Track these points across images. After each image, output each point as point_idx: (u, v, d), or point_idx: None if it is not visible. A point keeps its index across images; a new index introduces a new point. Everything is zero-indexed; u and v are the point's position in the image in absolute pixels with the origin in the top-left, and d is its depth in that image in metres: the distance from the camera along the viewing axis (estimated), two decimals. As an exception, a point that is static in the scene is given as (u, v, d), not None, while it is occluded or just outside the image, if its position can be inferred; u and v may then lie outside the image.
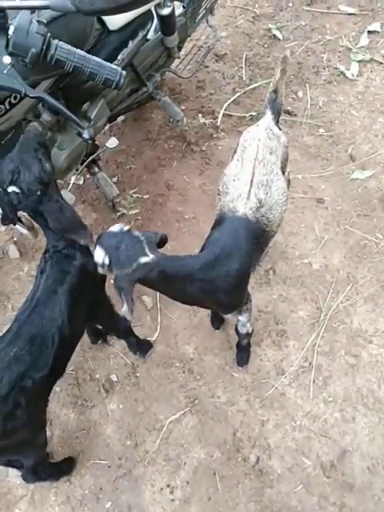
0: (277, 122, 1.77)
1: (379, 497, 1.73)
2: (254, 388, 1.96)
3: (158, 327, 2.13)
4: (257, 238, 1.53)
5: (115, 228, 1.30)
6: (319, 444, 1.83)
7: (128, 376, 2.05)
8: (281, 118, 2.76)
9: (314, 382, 1.94)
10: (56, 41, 1.19)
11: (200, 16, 2.47)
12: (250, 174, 1.54)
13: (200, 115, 2.91)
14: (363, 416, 1.85)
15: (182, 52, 2.71)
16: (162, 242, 1.35)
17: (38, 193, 1.35)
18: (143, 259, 1.26)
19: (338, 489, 1.75)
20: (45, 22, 1.17)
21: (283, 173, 1.69)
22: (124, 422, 1.96)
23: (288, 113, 2.88)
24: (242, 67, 3.16)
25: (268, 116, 1.75)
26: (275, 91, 1.82)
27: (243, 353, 1.99)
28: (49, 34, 1.16)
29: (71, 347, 1.59)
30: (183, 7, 2.15)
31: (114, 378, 2.05)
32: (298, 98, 2.95)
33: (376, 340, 2.01)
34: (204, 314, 2.15)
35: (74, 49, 1.21)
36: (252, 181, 1.53)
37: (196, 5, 2.35)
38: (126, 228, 1.30)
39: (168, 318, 2.16)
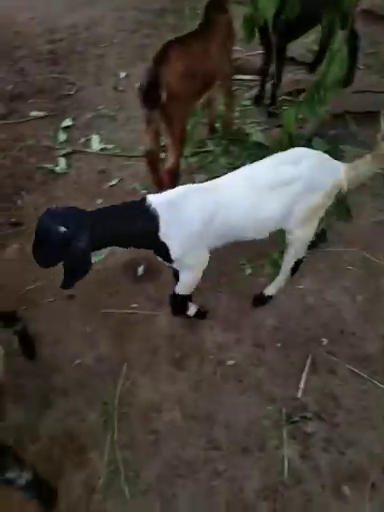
0: None
1: None
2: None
3: None
4: None
5: None
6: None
7: None
8: (9, 230, 2.70)
9: (126, 480, 1.81)
10: None
11: None
12: None
13: None
14: (182, 488, 1.79)
15: None
16: None
17: None
18: None
19: None
20: None
21: None
22: None
23: (15, 224, 2.79)
24: None
25: None
26: None
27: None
28: None
29: None
30: None
31: None
32: (19, 207, 2.89)
33: (165, 405, 2.00)
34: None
35: None
36: None
37: None
38: None
39: None
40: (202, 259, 1.92)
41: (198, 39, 2.53)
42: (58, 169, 3.12)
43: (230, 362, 2.12)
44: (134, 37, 4.56)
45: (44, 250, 1.60)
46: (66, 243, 1.54)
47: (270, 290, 2.30)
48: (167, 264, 1.90)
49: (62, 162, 3.17)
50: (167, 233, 1.72)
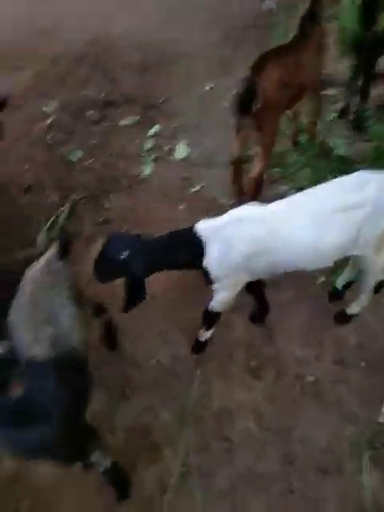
0: (63, 255, 1.72)
1: None
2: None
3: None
4: (68, 370, 1.43)
5: None
6: None
7: None
8: (97, 228, 2.81)
9: (198, 484, 1.78)
10: None
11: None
12: (28, 315, 1.47)
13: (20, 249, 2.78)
14: (255, 499, 1.73)
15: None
16: None
17: None
18: None
19: None
20: None
21: (80, 299, 1.66)
22: None
23: (103, 223, 2.90)
24: (49, 194, 3.15)
25: (51, 251, 1.71)
26: (61, 228, 1.81)
27: None
28: None
29: None
30: None
31: None
32: (107, 209, 3.00)
33: (239, 413, 1.95)
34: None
35: None
36: (34, 322, 1.45)
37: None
38: None
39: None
40: (239, 283, 1.89)
41: (293, 50, 2.52)
42: (143, 174, 3.22)
43: (310, 378, 2.03)
44: (220, 51, 4.62)
45: (103, 270, 1.72)
46: (123, 268, 1.65)
47: (353, 309, 2.18)
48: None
49: (148, 167, 3.27)
50: (210, 260, 1.74)
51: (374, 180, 1.73)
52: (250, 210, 1.80)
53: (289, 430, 1.88)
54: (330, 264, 1.85)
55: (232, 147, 2.62)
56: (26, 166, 3.41)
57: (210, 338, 2.14)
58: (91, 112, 3.92)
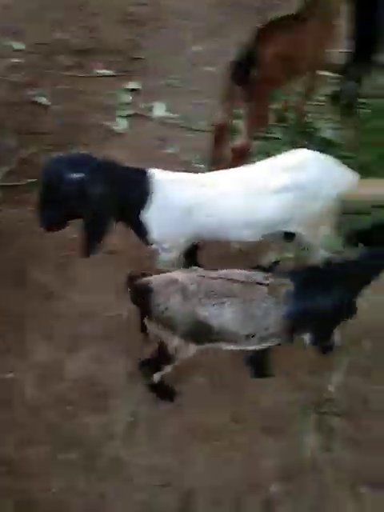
0: None
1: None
2: (87, 466, 1.91)
3: None
4: None
5: None
6: (165, 496, 1.86)
7: None
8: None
9: (146, 434, 1.99)
10: None
11: None
12: None
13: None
14: (198, 450, 1.96)
15: None
16: None
17: None
18: None
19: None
20: None
21: None
22: None
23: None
24: (7, 137, 3.23)
25: None
26: None
27: None
28: None
29: None
30: None
31: None
32: (73, 159, 3.13)
33: (193, 371, 2.17)
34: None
35: None
36: None
37: None
38: None
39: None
40: (180, 245, 2.02)
41: (301, 23, 2.62)
42: (116, 128, 3.37)
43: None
44: (215, 14, 4.81)
45: (54, 205, 1.57)
46: (82, 193, 1.53)
47: None
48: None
49: (122, 122, 3.43)
50: (151, 214, 1.84)
51: (311, 164, 1.94)
52: (188, 175, 2.00)
53: (238, 391, 2.13)
54: (258, 238, 2.09)
55: (217, 114, 2.83)
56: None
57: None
58: (63, 57, 4.01)
